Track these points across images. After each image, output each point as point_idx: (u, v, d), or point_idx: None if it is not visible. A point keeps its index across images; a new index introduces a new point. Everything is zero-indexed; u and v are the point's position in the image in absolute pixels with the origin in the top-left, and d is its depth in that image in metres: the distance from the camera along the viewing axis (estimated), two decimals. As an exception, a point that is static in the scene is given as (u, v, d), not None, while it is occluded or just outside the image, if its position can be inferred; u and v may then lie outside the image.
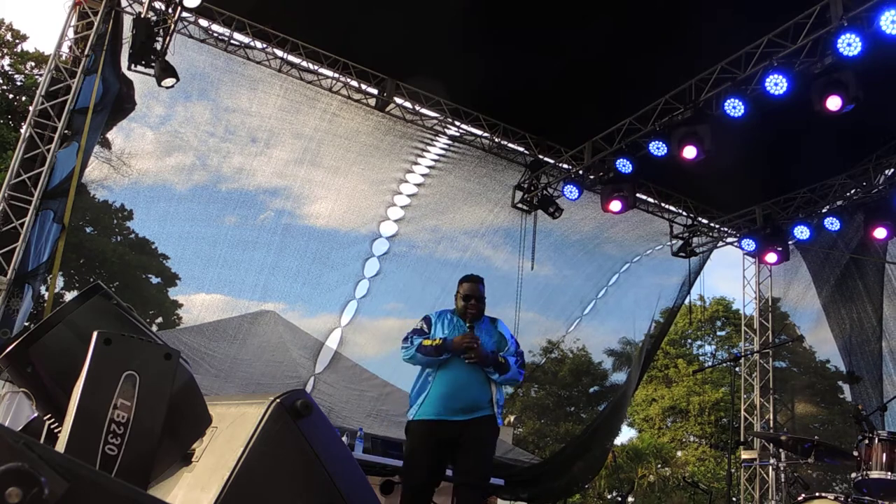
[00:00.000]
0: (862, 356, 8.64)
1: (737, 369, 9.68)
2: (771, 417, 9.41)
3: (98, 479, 0.89)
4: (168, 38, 6.52)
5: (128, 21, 6.75)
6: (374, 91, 7.83)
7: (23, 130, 6.24)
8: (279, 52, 7.41)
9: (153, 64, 6.44)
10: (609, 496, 18.96)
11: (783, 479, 5.25)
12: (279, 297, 8.59)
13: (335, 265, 8.53)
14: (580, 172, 8.16)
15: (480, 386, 3.90)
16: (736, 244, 9.50)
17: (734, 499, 9.10)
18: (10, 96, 15.74)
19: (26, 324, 5.96)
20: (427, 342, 3.91)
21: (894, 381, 8.28)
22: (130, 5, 6.89)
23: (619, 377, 23.48)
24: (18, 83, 15.86)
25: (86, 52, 6.36)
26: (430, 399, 3.89)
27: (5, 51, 15.95)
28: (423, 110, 8.09)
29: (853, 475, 3.91)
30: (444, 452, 3.87)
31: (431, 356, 3.87)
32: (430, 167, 8.56)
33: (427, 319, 4.10)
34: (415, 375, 4.09)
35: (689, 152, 6.53)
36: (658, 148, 6.94)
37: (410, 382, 4.15)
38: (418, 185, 8.58)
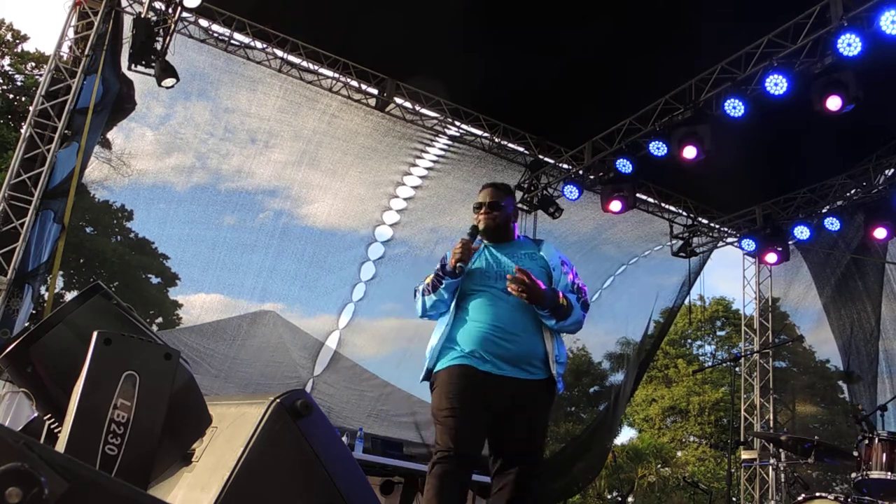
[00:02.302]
0: (859, 356, 8.65)
1: (737, 369, 9.67)
2: (771, 417, 9.41)
3: (98, 479, 0.89)
4: (168, 38, 6.52)
5: (128, 21, 6.75)
6: (374, 91, 7.83)
7: (23, 130, 6.24)
8: (279, 52, 7.41)
9: (153, 64, 6.44)
10: (609, 496, 18.95)
11: (783, 479, 5.25)
12: (277, 299, 8.65)
13: (332, 269, 8.57)
14: (580, 172, 8.16)
15: (531, 334, 2.77)
16: (736, 244, 9.50)
17: (734, 499, 9.09)
18: (10, 96, 15.75)
19: (26, 324, 5.96)
20: (428, 279, 2.89)
21: (885, 381, 8.30)
22: (130, 5, 6.89)
23: (619, 377, 23.48)
24: (18, 83, 15.87)
25: (86, 52, 6.36)
26: (461, 341, 2.75)
27: (5, 51, 15.96)
28: (423, 110, 8.08)
29: (853, 475, 3.91)
30: (486, 421, 2.69)
31: (435, 291, 2.84)
32: (428, 168, 8.57)
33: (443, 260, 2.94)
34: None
35: (689, 152, 6.53)
36: (658, 148, 6.94)
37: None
38: (416, 187, 8.59)
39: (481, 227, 2.94)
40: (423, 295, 2.91)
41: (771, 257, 8.70)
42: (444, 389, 2.70)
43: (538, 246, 3.02)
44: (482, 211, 2.98)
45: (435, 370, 2.78)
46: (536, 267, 2.87)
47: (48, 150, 6.08)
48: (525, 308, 2.76)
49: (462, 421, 2.62)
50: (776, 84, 5.86)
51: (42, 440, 1.69)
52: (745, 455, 8.58)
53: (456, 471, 2.58)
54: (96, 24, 6.40)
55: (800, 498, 3.77)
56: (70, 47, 6.46)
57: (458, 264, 2.79)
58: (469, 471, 2.65)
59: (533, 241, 3.08)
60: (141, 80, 6.72)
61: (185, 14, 6.80)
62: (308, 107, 7.86)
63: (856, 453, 3.95)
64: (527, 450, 2.70)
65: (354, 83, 7.74)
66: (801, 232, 8.35)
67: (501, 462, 2.71)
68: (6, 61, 15.88)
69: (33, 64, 15.96)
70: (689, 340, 25.72)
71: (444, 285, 2.82)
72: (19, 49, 16.07)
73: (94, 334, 1.39)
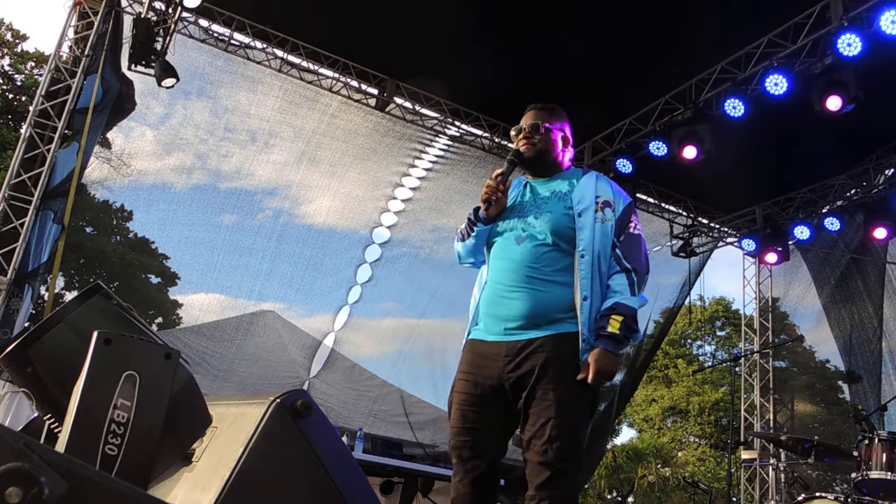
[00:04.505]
0: (862, 356, 8.64)
1: (737, 369, 9.66)
2: (771, 417, 9.41)
3: (98, 479, 0.89)
4: (168, 38, 6.52)
5: (128, 21, 6.75)
6: (375, 91, 7.83)
7: (23, 130, 6.24)
8: (279, 52, 7.41)
9: (153, 64, 6.44)
10: (609, 496, 18.95)
11: (783, 479, 5.25)
12: (276, 300, 8.68)
13: (328, 271, 8.61)
14: (580, 172, 8.16)
15: (541, 284, 2.20)
16: (736, 244, 9.50)
17: (734, 499, 9.09)
18: (10, 96, 15.75)
19: (26, 324, 5.96)
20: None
21: (892, 382, 8.29)
22: (130, 5, 6.89)
23: (618, 377, 23.46)
24: (18, 83, 15.87)
25: (86, 52, 6.36)
26: (479, 307, 2.33)
27: (5, 51, 15.96)
28: (424, 110, 8.08)
29: (853, 475, 3.91)
30: (498, 403, 2.19)
31: (469, 236, 2.42)
32: (427, 169, 8.57)
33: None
34: None
35: (689, 152, 6.53)
36: (658, 148, 6.94)
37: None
38: (414, 188, 8.59)
39: (512, 154, 2.49)
40: (458, 241, 2.49)
41: (771, 257, 8.71)
42: (455, 379, 2.30)
43: (581, 178, 2.41)
44: (521, 136, 2.53)
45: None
46: (559, 210, 2.29)
47: (48, 150, 6.08)
48: (542, 245, 2.24)
49: (462, 427, 2.18)
50: (776, 84, 5.86)
51: (42, 440, 1.69)
52: (745, 455, 8.58)
53: (471, 491, 2.16)
54: (96, 24, 6.40)
55: (800, 498, 3.78)
56: (70, 47, 6.46)
57: (485, 205, 2.34)
58: (487, 478, 2.18)
59: (583, 173, 2.46)
60: (141, 79, 6.72)
61: (185, 14, 6.80)
62: (308, 107, 7.86)
63: (856, 453, 3.95)
64: (550, 439, 2.05)
65: (354, 83, 7.74)
66: (801, 232, 8.36)
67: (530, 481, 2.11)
68: (6, 61, 15.89)
69: (33, 64, 15.96)
70: (689, 340, 25.71)
71: (475, 232, 2.38)
72: (19, 49, 16.07)
73: (94, 334, 1.39)
